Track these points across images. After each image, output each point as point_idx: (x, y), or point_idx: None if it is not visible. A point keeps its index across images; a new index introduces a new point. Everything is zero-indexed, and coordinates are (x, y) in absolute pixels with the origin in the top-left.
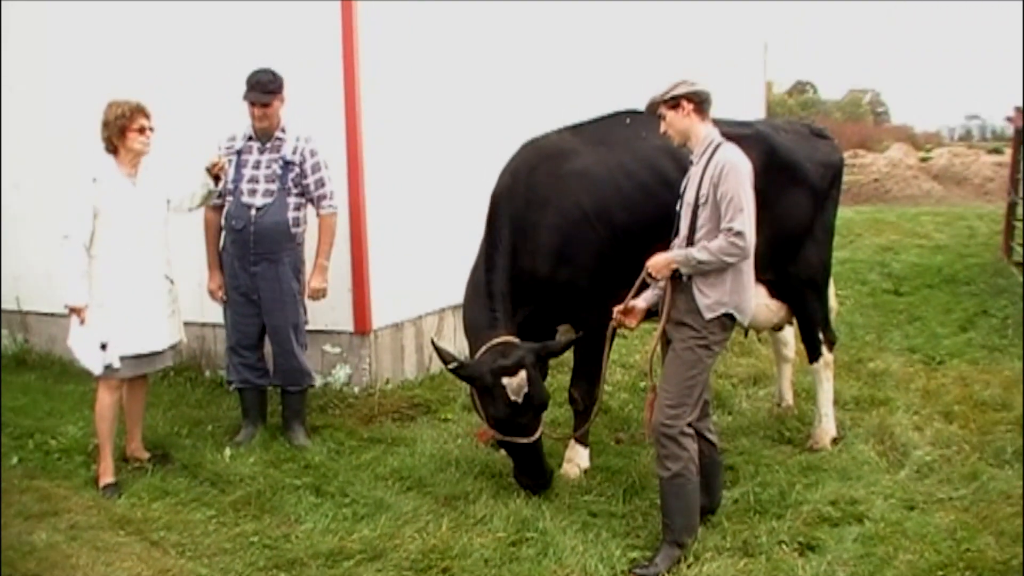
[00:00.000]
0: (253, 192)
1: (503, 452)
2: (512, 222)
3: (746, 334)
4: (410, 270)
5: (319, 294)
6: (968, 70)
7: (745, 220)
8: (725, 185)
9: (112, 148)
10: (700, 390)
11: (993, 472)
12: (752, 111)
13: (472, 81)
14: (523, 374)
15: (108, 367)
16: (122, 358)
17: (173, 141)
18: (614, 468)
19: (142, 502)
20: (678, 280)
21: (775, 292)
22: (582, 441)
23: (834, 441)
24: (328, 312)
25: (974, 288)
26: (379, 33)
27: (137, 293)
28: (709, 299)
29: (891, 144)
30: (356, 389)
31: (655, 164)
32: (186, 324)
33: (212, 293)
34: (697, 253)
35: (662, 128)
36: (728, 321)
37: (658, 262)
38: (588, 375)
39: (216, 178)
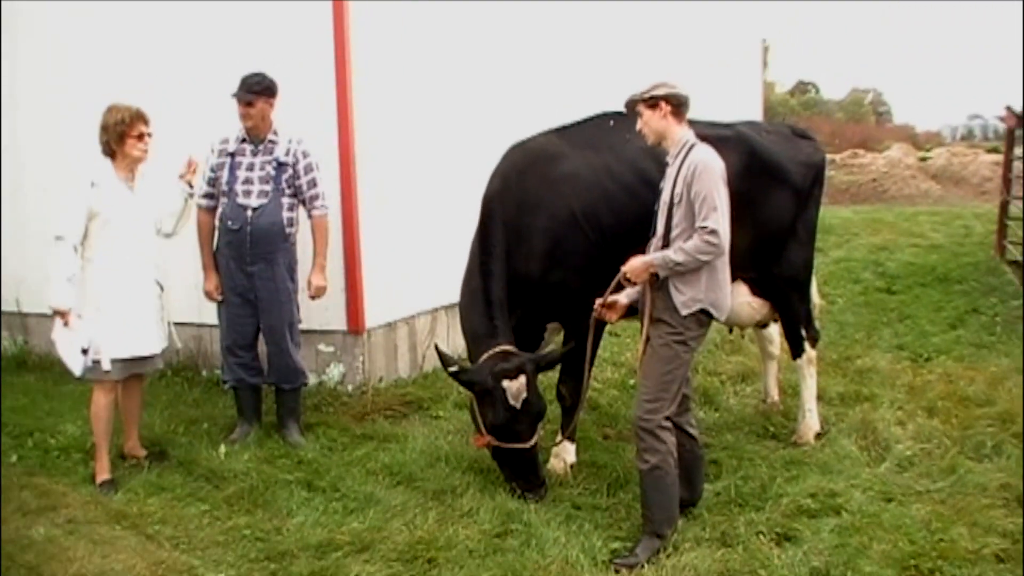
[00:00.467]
0: (248, 193)
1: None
2: (505, 227)
3: (731, 331)
4: (403, 270)
5: (321, 292)
6: (972, 69)
7: (719, 219)
8: (698, 185)
9: (110, 152)
10: (678, 385)
11: (971, 466)
12: (749, 111)
13: (464, 82)
14: (523, 379)
15: (92, 369)
16: (114, 360)
17: (167, 141)
18: (600, 463)
19: (138, 498)
20: (656, 280)
21: (758, 290)
22: (569, 436)
23: (818, 436)
24: (322, 312)
25: (966, 287)
26: (371, 35)
27: (131, 297)
28: (685, 296)
29: (891, 144)
30: (350, 387)
31: (638, 166)
32: (183, 325)
33: (209, 294)
34: (673, 255)
35: (638, 125)
36: (704, 317)
37: (635, 266)
38: (576, 372)
39: (190, 183)
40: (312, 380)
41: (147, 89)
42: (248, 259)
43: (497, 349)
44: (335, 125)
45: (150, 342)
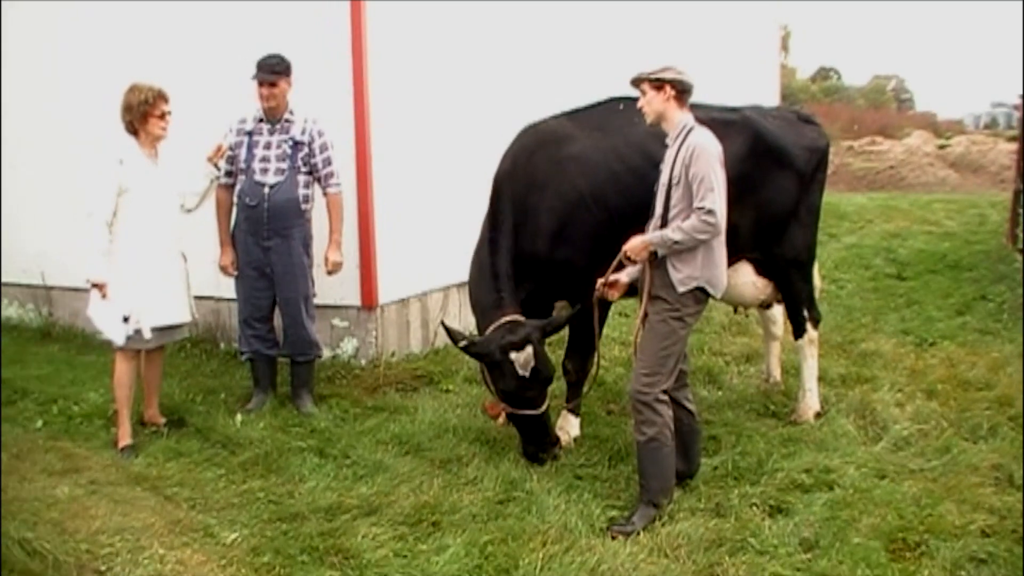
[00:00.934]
0: (265, 171)
1: (499, 422)
2: (514, 205)
3: (735, 311)
4: (416, 248)
5: (338, 267)
6: (996, 57)
7: (716, 199)
8: (696, 166)
9: (133, 130)
10: (675, 360)
11: (965, 446)
12: (766, 96)
13: (478, 64)
14: (530, 349)
15: (132, 337)
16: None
17: (187, 129)
18: (603, 437)
19: (157, 462)
20: (654, 258)
21: (761, 270)
22: (574, 411)
23: (817, 415)
24: (336, 287)
25: (976, 274)
26: (387, 16)
27: (157, 268)
28: (681, 274)
29: (911, 131)
30: (362, 361)
31: (645, 148)
32: (202, 299)
33: (224, 269)
34: (672, 234)
35: (639, 103)
36: (701, 295)
37: (635, 245)
38: (582, 348)
39: (217, 165)
40: (326, 354)
41: (168, 70)
42: (265, 234)
43: (504, 320)
44: (351, 105)
45: (179, 311)
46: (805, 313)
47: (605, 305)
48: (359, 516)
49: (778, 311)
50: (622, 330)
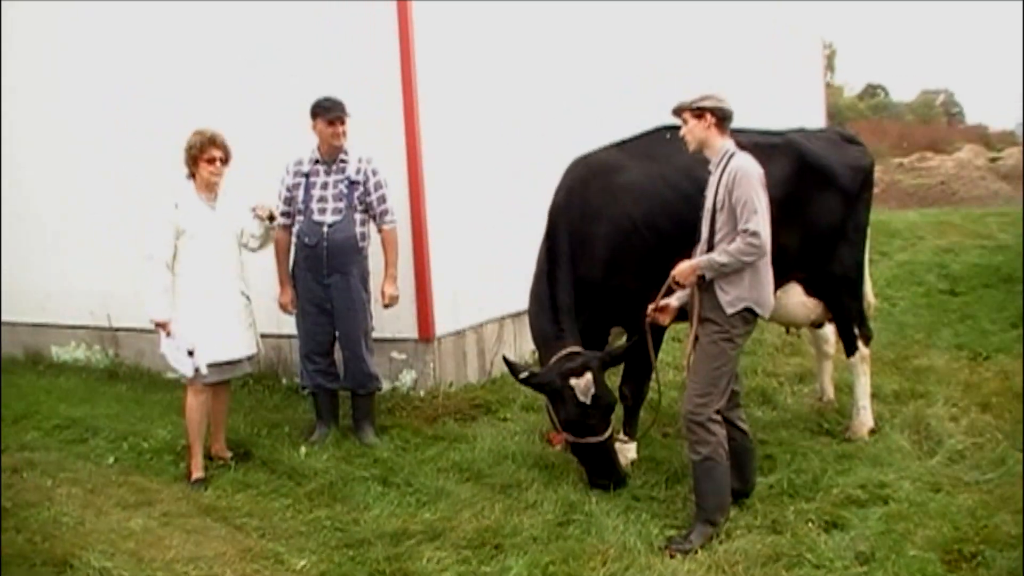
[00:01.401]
0: (323, 211)
1: (558, 448)
2: (570, 235)
3: (787, 331)
4: (470, 280)
5: (394, 300)
6: None
7: (759, 221)
8: (739, 190)
9: (191, 173)
10: (726, 380)
11: (1020, 458)
12: (811, 115)
13: (527, 96)
14: (589, 376)
15: (197, 370)
16: (208, 364)
17: (240, 160)
18: (659, 459)
19: (226, 494)
20: (702, 281)
21: (811, 290)
22: (631, 434)
23: (871, 432)
24: (394, 321)
25: None
26: (436, 55)
27: (216, 307)
28: (729, 296)
29: (962, 145)
30: (421, 392)
31: (693, 174)
32: (263, 336)
33: (283, 307)
34: (718, 257)
35: (682, 131)
36: (749, 315)
37: (683, 270)
38: (637, 373)
39: (271, 217)
40: (386, 386)
41: (223, 111)
42: (324, 272)
43: (565, 351)
44: (403, 143)
45: (237, 347)
46: (856, 331)
47: (659, 331)
48: (423, 541)
49: (829, 330)
50: (675, 355)
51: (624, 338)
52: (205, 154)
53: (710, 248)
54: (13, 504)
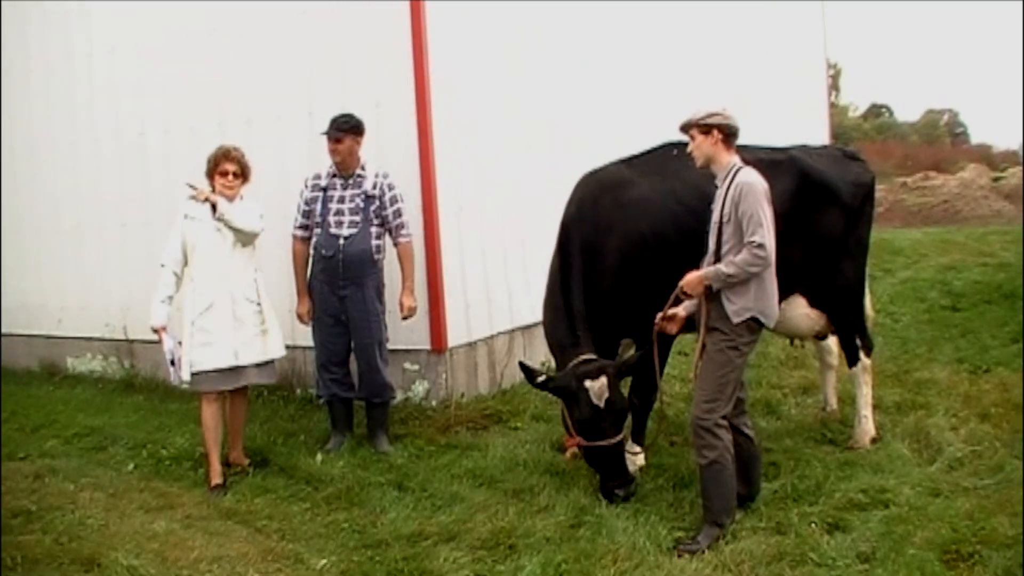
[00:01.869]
0: (340, 224)
1: (568, 455)
2: (582, 247)
3: (792, 342)
4: (482, 294)
5: (412, 311)
6: None
7: (764, 233)
8: (744, 204)
9: (211, 186)
10: (732, 387)
11: (1018, 464)
12: (816, 135)
13: (537, 116)
14: (604, 379)
15: (196, 380)
16: (203, 372)
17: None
18: (666, 465)
19: (246, 498)
20: (709, 292)
21: (814, 302)
22: (639, 441)
23: (873, 441)
24: (407, 333)
25: None
26: (450, 73)
27: (217, 316)
28: (736, 305)
29: (966, 165)
30: (434, 402)
31: (700, 189)
32: None
33: (300, 317)
34: (725, 268)
35: (689, 147)
36: (755, 325)
37: (691, 280)
38: (645, 382)
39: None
40: (399, 396)
41: (246, 125)
42: (340, 283)
43: (581, 358)
44: (417, 160)
45: (240, 354)
46: (858, 342)
47: (667, 342)
48: (439, 542)
49: (833, 342)
50: (682, 368)
51: (633, 350)
52: (219, 167)
53: (717, 260)
54: (38, 507)
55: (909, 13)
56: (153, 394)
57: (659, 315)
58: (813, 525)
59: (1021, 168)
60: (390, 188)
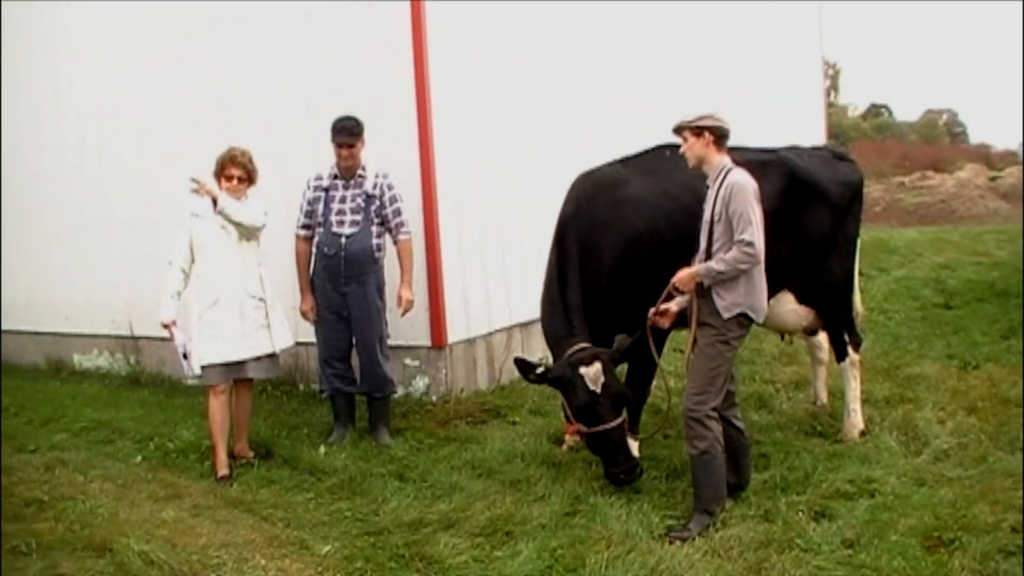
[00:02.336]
0: (341, 223)
1: (565, 448)
2: (579, 243)
3: (782, 337)
4: (481, 292)
5: (410, 304)
6: None
7: (754, 232)
8: (735, 203)
9: (218, 187)
10: (722, 380)
11: (1002, 456)
12: (812, 135)
13: (536, 116)
14: (598, 365)
15: (199, 374)
16: (210, 366)
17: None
18: (660, 457)
19: (251, 488)
20: (701, 288)
21: (802, 298)
22: (633, 433)
23: (861, 434)
24: (408, 329)
25: None
26: (449, 70)
27: (222, 312)
28: (725, 301)
29: (964, 165)
30: (433, 397)
31: (693, 188)
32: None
33: (304, 314)
34: (715, 265)
35: (682, 148)
36: (744, 320)
37: (683, 277)
38: (639, 374)
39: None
40: (400, 391)
41: (248, 127)
42: (342, 281)
43: (576, 347)
44: (417, 159)
45: (242, 348)
46: (846, 337)
47: (661, 335)
48: (439, 529)
49: (823, 337)
50: (676, 364)
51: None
52: (225, 171)
53: (708, 257)
54: (50, 497)
55: (909, 13)
56: (159, 389)
57: (652, 310)
58: (800, 513)
59: (1021, 168)
60: (389, 188)
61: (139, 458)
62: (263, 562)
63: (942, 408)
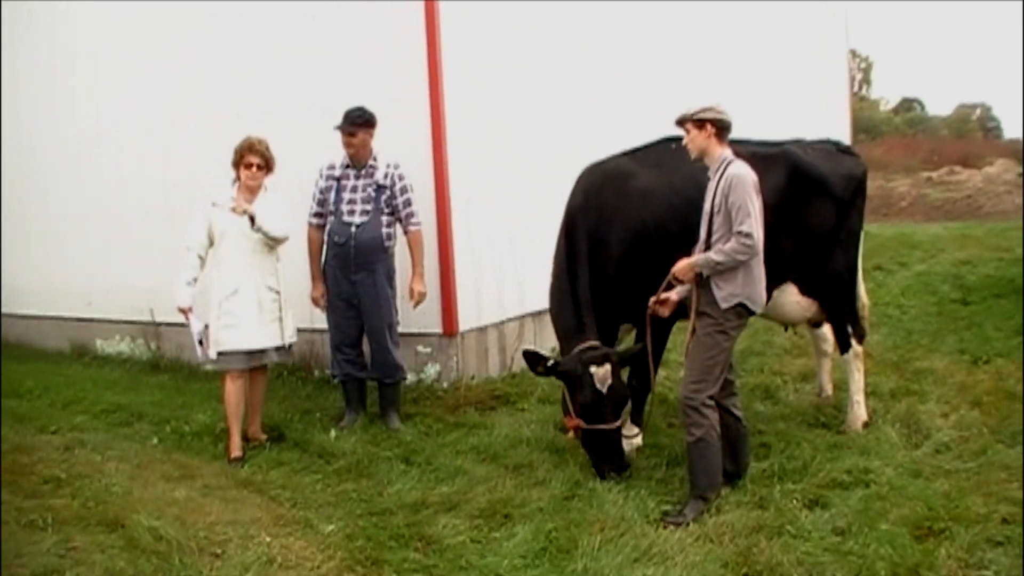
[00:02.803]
0: (352, 212)
1: (569, 435)
2: (587, 235)
3: (786, 329)
4: (492, 280)
5: (422, 297)
6: None
7: (752, 224)
8: (734, 195)
9: (236, 175)
10: (720, 369)
11: (1001, 449)
12: (837, 129)
13: (547, 106)
14: (608, 366)
15: (215, 360)
16: (230, 352)
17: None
18: (661, 445)
19: (262, 470)
20: (700, 278)
21: (805, 290)
22: (637, 423)
23: (865, 425)
24: (420, 317)
25: None
26: (462, 62)
27: (240, 301)
28: (724, 291)
29: (994, 160)
30: (444, 384)
31: (697, 181)
32: (297, 330)
33: (315, 301)
34: (714, 255)
35: (684, 140)
36: (742, 310)
37: (683, 267)
38: (645, 367)
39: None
40: (411, 378)
41: (267, 119)
42: (352, 269)
43: (586, 344)
44: (430, 150)
45: (260, 338)
46: (849, 329)
47: (662, 324)
48: (440, 511)
49: (828, 329)
50: (682, 353)
51: (633, 334)
52: (244, 160)
53: (708, 248)
54: (68, 475)
55: (942, 6)
56: (177, 374)
57: (652, 299)
58: (794, 501)
59: None
60: (400, 178)
61: (155, 440)
62: (268, 539)
63: (947, 402)
